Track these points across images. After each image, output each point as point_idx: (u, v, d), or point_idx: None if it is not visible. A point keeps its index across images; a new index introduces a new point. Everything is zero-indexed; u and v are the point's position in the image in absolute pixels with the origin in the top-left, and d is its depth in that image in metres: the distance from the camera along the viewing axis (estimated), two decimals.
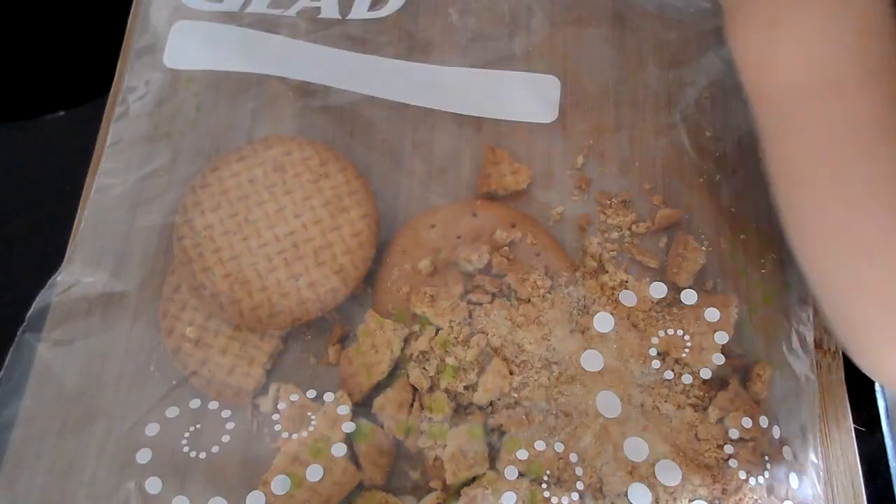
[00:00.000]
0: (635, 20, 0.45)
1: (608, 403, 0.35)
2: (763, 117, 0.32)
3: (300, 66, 0.43)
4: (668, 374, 0.36)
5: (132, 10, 0.46)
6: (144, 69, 0.43)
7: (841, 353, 0.38)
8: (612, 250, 0.39)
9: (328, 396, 0.36)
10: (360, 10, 0.46)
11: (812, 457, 0.35)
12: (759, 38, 0.31)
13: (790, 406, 0.36)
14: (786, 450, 0.35)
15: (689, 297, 0.38)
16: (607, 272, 0.38)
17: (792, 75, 0.30)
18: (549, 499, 0.33)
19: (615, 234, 0.40)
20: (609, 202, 0.41)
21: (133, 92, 0.43)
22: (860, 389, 0.39)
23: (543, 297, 0.37)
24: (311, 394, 0.36)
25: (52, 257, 0.39)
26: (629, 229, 0.40)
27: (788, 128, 0.31)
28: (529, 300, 0.37)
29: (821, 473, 0.35)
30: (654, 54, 0.44)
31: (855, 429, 0.37)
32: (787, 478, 0.34)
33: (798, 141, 0.30)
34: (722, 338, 0.36)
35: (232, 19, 0.45)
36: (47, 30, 0.48)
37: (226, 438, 0.35)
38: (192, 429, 0.35)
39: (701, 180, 0.41)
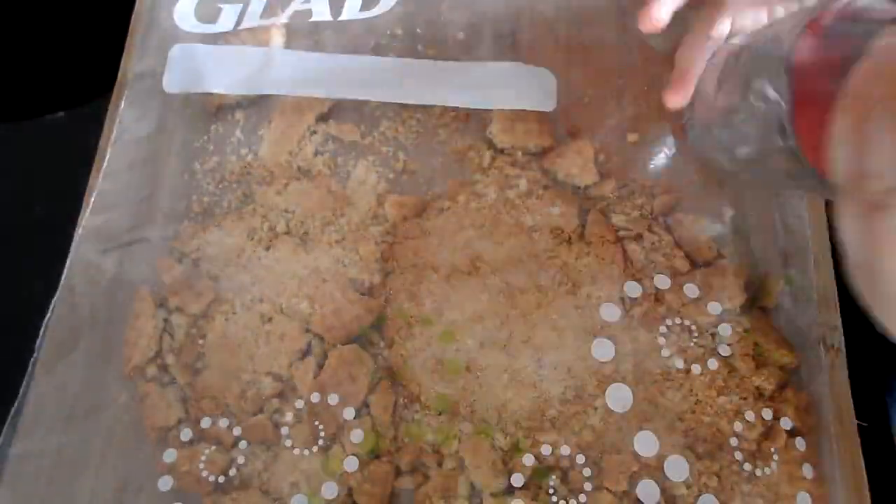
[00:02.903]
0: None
1: (619, 397, 0.35)
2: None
3: (300, 80, 0.43)
4: (679, 364, 0.36)
5: (129, 34, 0.46)
6: (143, 94, 0.43)
7: (845, 351, 0.38)
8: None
9: (332, 398, 0.35)
10: (351, 11, 0.46)
11: (822, 449, 0.35)
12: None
13: (799, 398, 0.36)
14: (798, 441, 0.35)
15: (691, 290, 0.38)
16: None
17: None
18: (556, 503, 0.33)
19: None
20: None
21: (131, 116, 0.43)
22: (864, 386, 0.38)
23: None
24: (315, 397, 0.35)
25: (52, 257, 0.39)
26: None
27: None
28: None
29: (836, 464, 0.35)
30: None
31: (858, 424, 0.37)
32: (801, 469, 0.34)
33: None
34: (726, 330, 0.37)
35: (227, 39, 0.45)
36: (47, 30, 0.48)
37: (241, 459, 0.35)
38: (206, 452, 0.35)
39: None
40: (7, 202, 0.43)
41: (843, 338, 0.38)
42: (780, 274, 0.39)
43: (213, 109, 0.43)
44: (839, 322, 0.38)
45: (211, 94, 0.43)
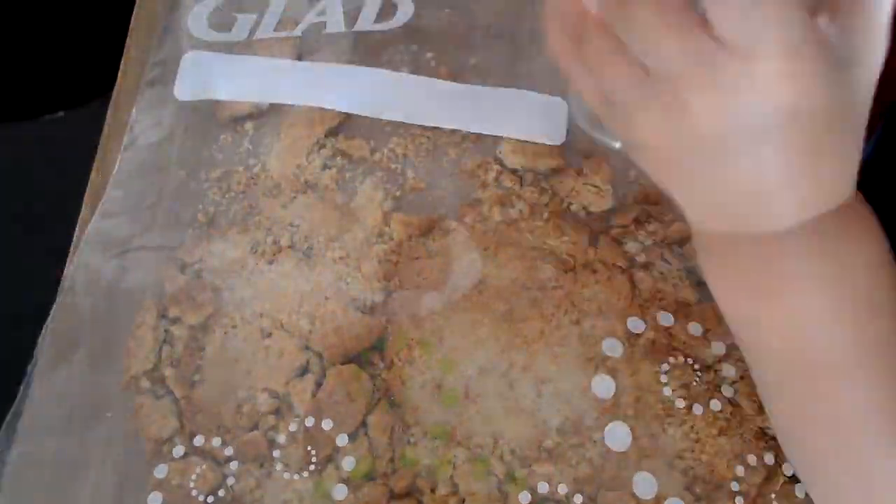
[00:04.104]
0: None
1: (618, 436, 0.35)
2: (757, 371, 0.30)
3: (312, 91, 0.43)
4: (681, 403, 0.36)
5: (128, 34, 0.45)
6: (154, 101, 0.43)
7: None
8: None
9: (326, 423, 0.35)
10: (365, 22, 0.45)
11: None
12: (751, 307, 0.28)
13: None
14: (798, 487, 0.35)
15: (695, 329, 0.38)
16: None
17: (786, 352, 0.27)
18: None
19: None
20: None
21: (142, 122, 0.42)
22: None
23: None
24: (310, 421, 0.35)
25: (52, 257, 0.39)
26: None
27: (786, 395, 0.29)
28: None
29: None
30: None
31: None
32: None
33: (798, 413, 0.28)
34: (729, 370, 0.36)
35: (241, 48, 0.44)
36: (47, 30, 0.47)
37: (230, 481, 0.34)
38: (198, 470, 0.34)
39: None
40: (7, 202, 0.42)
41: None
42: None
43: (224, 119, 0.43)
44: None
45: (221, 102, 0.43)
